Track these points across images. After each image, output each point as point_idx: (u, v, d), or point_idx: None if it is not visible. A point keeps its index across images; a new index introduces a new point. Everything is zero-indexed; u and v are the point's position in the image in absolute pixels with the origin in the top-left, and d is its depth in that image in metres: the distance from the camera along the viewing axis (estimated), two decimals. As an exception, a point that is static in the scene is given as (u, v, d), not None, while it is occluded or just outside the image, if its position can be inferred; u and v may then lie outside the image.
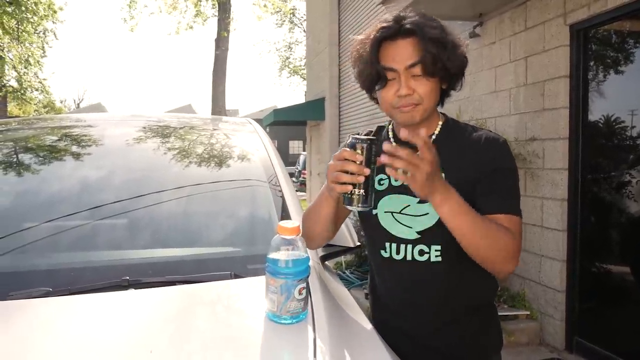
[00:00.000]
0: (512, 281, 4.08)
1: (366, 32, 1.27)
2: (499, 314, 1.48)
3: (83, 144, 1.88)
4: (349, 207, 1.13)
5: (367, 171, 1.08)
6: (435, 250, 1.27)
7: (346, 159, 1.09)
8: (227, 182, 1.69)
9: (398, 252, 1.32)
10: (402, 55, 1.20)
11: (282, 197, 1.63)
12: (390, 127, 1.41)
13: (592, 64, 3.45)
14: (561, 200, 3.54)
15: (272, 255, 1.05)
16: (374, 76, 1.24)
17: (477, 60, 4.53)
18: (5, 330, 1.03)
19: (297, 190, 2.19)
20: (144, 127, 2.07)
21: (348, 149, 1.09)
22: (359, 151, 1.08)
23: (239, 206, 1.67)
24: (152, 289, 1.19)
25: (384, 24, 1.22)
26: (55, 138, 1.93)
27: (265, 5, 17.19)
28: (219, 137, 2.11)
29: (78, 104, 44.32)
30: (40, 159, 1.76)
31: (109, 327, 1.04)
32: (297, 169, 20.94)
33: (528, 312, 3.84)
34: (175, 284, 1.22)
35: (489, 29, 4.36)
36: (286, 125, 16.38)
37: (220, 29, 14.62)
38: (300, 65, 28.78)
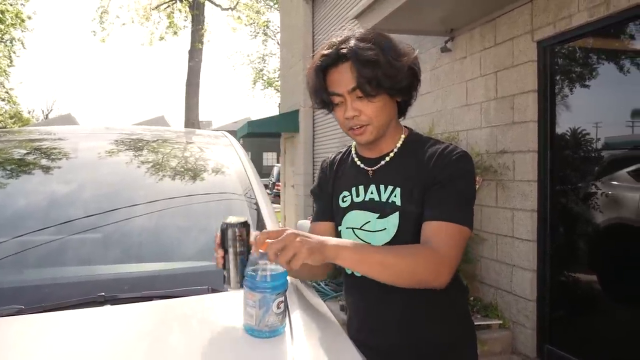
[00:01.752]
0: (484, 291, 4.15)
1: (312, 60, 1.32)
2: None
3: (55, 157, 1.85)
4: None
5: (219, 255, 1.12)
6: None
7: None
8: (203, 196, 1.69)
9: None
10: (342, 80, 1.24)
11: (258, 209, 1.64)
12: (353, 146, 1.45)
13: (558, 78, 3.57)
14: (531, 211, 3.63)
15: (250, 269, 1.05)
16: (324, 101, 1.31)
17: (448, 74, 4.64)
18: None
19: (271, 202, 2.19)
20: (120, 140, 2.05)
21: (218, 237, 1.13)
22: (219, 234, 1.13)
23: (215, 219, 1.66)
24: (129, 304, 1.17)
25: (324, 52, 1.28)
26: (27, 151, 1.89)
27: (239, 18, 17.21)
28: (194, 150, 2.11)
29: (47, 115, 43.30)
30: (10, 172, 1.72)
31: (85, 346, 1.02)
32: (271, 180, 20.88)
33: (501, 322, 3.90)
34: (152, 299, 1.21)
35: (459, 44, 4.47)
36: (261, 137, 16.34)
37: (194, 41, 14.58)
38: (274, 77, 28.83)
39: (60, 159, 1.85)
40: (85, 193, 1.66)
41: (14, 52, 20.80)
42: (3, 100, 21.30)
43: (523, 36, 3.65)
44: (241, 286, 1.11)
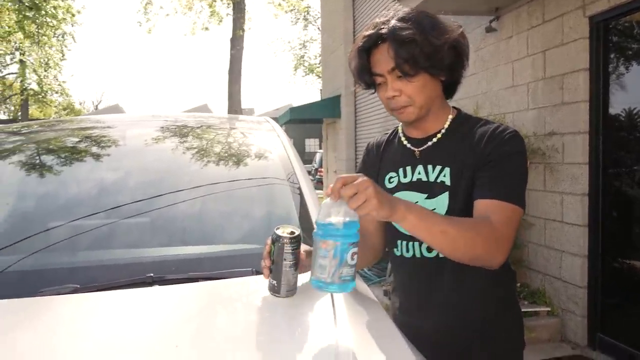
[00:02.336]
0: (532, 277, 4.05)
1: (355, 41, 1.33)
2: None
3: (105, 144, 1.92)
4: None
5: (266, 265, 1.12)
6: None
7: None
8: (247, 181, 1.71)
9: (407, 250, 1.34)
10: (382, 61, 1.25)
11: (301, 194, 1.65)
12: (400, 126, 1.44)
13: (612, 56, 3.39)
14: (581, 195, 3.49)
15: (324, 217, 1.00)
16: (367, 82, 1.32)
17: (494, 55, 4.49)
18: (36, 325, 1.06)
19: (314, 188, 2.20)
20: (165, 127, 2.10)
21: (268, 246, 1.14)
22: (272, 245, 1.12)
23: (258, 204, 1.69)
24: (176, 285, 1.21)
25: (366, 33, 1.28)
26: (79, 139, 1.97)
27: (280, 4, 17.22)
28: (237, 136, 2.14)
29: (96, 106, 44.98)
30: (63, 160, 1.80)
31: (134, 324, 1.06)
32: (313, 166, 20.96)
33: (549, 309, 3.80)
34: (197, 281, 1.24)
35: (505, 23, 4.31)
36: (302, 123, 16.41)
37: (236, 29, 14.70)
38: (315, 63, 28.79)
39: (109, 146, 1.92)
40: (134, 179, 1.71)
41: (66, 46, 21.65)
42: (57, 92, 22.24)
43: (574, 12, 3.48)
44: (292, 296, 1.12)
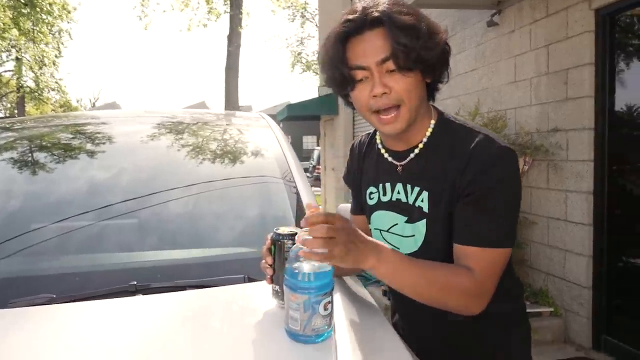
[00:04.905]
0: (534, 277, 3.96)
1: (332, 28, 1.10)
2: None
3: (92, 142, 1.82)
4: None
5: (267, 263, 1.06)
6: None
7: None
8: (241, 179, 1.62)
9: None
10: (370, 50, 1.04)
11: (297, 193, 1.56)
12: (378, 136, 1.26)
13: (618, 50, 3.29)
14: (586, 193, 3.40)
15: (292, 267, 0.93)
16: (344, 78, 1.08)
17: (495, 50, 4.39)
18: (5, 341, 0.96)
19: (311, 186, 2.10)
20: (159, 124, 2.00)
21: (268, 244, 1.07)
22: (273, 247, 1.06)
23: (252, 204, 1.59)
24: (161, 294, 1.12)
25: (349, 16, 1.06)
26: (63, 136, 1.87)
27: (278, 0, 17.10)
28: (232, 133, 2.04)
29: (94, 103, 44.75)
30: (45, 158, 1.69)
31: (116, 338, 0.97)
32: (311, 164, 20.88)
33: (552, 309, 3.72)
34: (185, 289, 1.15)
35: (507, 17, 4.22)
36: (300, 120, 16.30)
37: (234, 25, 14.57)
38: (312, 60, 28.64)
39: (99, 143, 1.82)
40: (119, 178, 1.61)
41: (62, 44, 21.48)
42: (53, 90, 22.07)
43: (579, 4, 3.38)
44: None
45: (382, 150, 1.22)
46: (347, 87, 1.10)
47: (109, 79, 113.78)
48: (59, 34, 21.20)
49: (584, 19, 3.35)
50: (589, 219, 3.41)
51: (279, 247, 1.04)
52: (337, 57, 1.07)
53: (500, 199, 1.05)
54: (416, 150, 1.15)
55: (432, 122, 1.15)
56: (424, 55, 1.04)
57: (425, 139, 1.14)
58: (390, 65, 1.04)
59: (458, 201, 1.07)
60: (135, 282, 1.12)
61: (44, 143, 1.80)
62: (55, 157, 1.70)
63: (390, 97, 1.05)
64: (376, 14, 1.03)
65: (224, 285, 1.17)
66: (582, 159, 3.42)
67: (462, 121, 1.16)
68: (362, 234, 0.97)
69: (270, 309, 1.06)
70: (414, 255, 1.13)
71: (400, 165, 1.17)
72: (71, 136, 1.85)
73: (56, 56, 21.18)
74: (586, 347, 3.48)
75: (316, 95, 14.70)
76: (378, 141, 1.25)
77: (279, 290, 1.04)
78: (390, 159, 1.20)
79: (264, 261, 1.07)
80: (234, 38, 14.56)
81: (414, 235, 1.15)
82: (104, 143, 1.81)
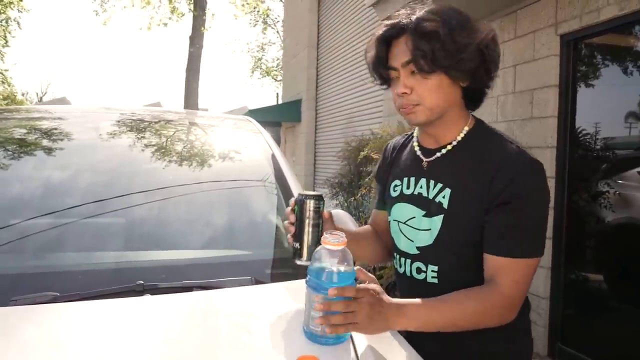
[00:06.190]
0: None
1: (375, 32, 1.22)
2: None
3: (109, 136, 1.75)
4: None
5: (290, 222, 1.12)
6: (432, 271, 1.20)
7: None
8: (239, 182, 1.60)
9: (400, 265, 1.28)
10: (399, 53, 1.15)
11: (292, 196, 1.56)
12: (416, 131, 1.34)
13: (581, 74, 3.49)
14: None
15: (316, 268, 0.95)
16: (382, 76, 1.22)
17: (463, 67, 4.54)
18: (6, 341, 0.91)
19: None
20: (157, 123, 1.95)
21: (292, 205, 1.14)
22: (296, 207, 1.12)
23: (250, 208, 1.58)
24: (170, 295, 1.09)
25: (388, 22, 1.18)
26: (60, 131, 1.79)
27: (243, 5, 16.99)
28: (223, 135, 2.02)
29: (41, 98, 42.73)
30: (49, 149, 1.61)
31: (123, 338, 0.93)
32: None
33: (511, 319, 3.85)
34: (192, 290, 1.12)
35: (476, 36, 4.37)
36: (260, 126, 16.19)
37: (197, 26, 14.36)
38: (272, 67, 28.61)
39: (94, 140, 1.76)
40: (127, 175, 1.56)
41: (10, 33, 20.46)
42: (-2, 80, 20.98)
43: (546, 29, 3.56)
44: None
45: (415, 144, 1.30)
46: (387, 84, 1.23)
47: (60, 73, 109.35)
48: (7, 22, 20.20)
49: (550, 43, 3.53)
50: (549, 233, 3.57)
51: (301, 206, 1.09)
52: (377, 58, 1.19)
53: (532, 210, 1.10)
54: (444, 150, 1.22)
55: (467, 128, 1.22)
56: (441, 60, 1.10)
57: (455, 142, 1.21)
58: (412, 67, 1.13)
59: (489, 210, 1.11)
60: (143, 282, 1.09)
61: (55, 132, 1.71)
62: (60, 149, 1.62)
63: (410, 97, 1.15)
64: (404, 22, 1.13)
65: (231, 286, 1.16)
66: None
67: (499, 132, 1.23)
68: (385, 297, 1.02)
69: (279, 312, 1.06)
70: (428, 248, 1.19)
71: (427, 161, 1.24)
72: (72, 131, 1.77)
73: (2, 45, 20.17)
74: (542, 355, 3.63)
75: (274, 102, 14.66)
76: (415, 138, 1.33)
77: (298, 247, 1.10)
78: (419, 152, 1.27)
79: (287, 221, 1.13)
80: (196, 39, 14.35)
81: (429, 229, 1.19)
82: (104, 140, 1.74)
